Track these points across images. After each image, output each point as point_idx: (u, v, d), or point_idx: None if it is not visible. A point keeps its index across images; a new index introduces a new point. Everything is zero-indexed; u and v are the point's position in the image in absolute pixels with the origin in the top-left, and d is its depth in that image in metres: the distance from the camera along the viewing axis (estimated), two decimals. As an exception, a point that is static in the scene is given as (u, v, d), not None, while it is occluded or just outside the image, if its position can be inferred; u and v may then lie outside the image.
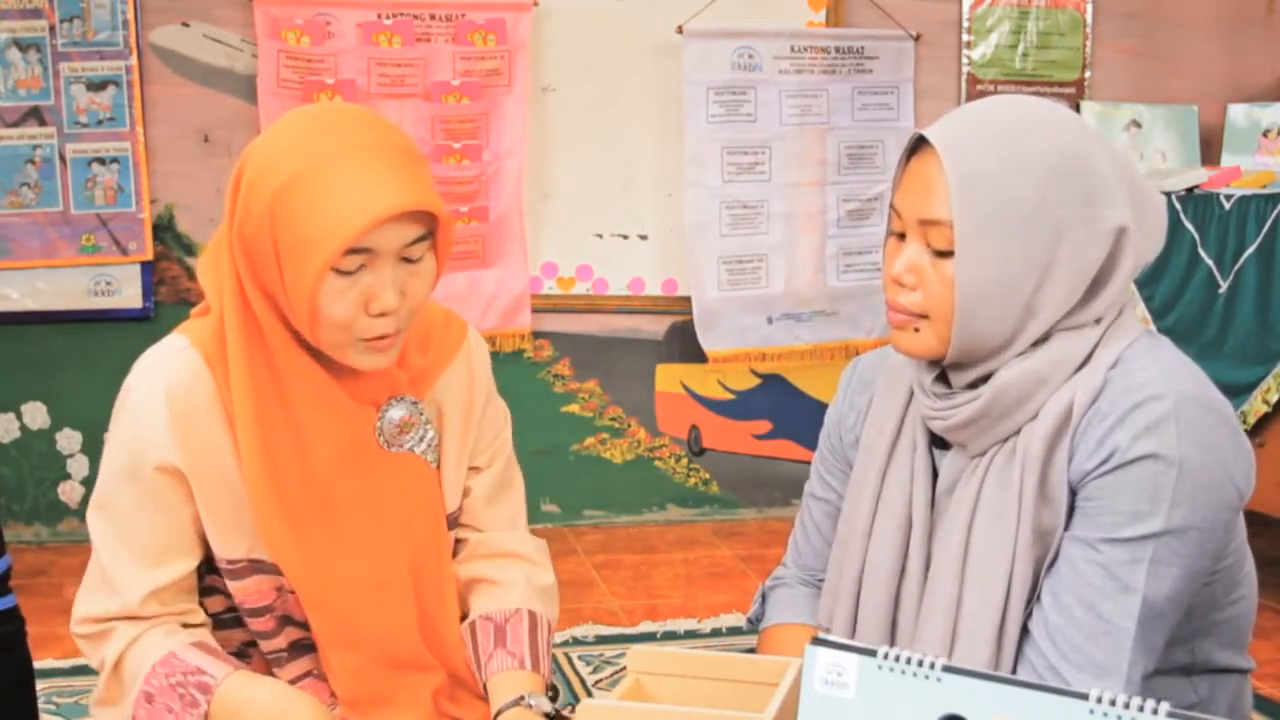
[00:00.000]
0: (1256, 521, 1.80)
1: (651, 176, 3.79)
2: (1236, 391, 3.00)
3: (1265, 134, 3.78)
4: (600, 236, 3.80)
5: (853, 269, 3.90)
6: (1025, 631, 1.29)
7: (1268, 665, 2.67)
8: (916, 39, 3.88)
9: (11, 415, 3.58)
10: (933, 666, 0.94)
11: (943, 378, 1.36)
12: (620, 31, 3.72)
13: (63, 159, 3.48)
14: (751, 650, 1.58)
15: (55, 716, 2.41)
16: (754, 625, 1.62)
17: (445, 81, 3.57)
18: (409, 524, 1.47)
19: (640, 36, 3.73)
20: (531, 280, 3.72)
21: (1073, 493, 1.27)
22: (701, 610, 3.05)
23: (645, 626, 2.95)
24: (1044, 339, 1.30)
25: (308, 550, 1.40)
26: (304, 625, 1.46)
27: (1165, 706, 0.87)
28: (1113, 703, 0.88)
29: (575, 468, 3.87)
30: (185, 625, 1.41)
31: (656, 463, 3.93)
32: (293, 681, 1.48)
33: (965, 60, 3.95)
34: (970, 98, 3.91)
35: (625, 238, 3.81)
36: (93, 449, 3.59)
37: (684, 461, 3.95)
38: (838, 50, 3.81)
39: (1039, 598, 1.28)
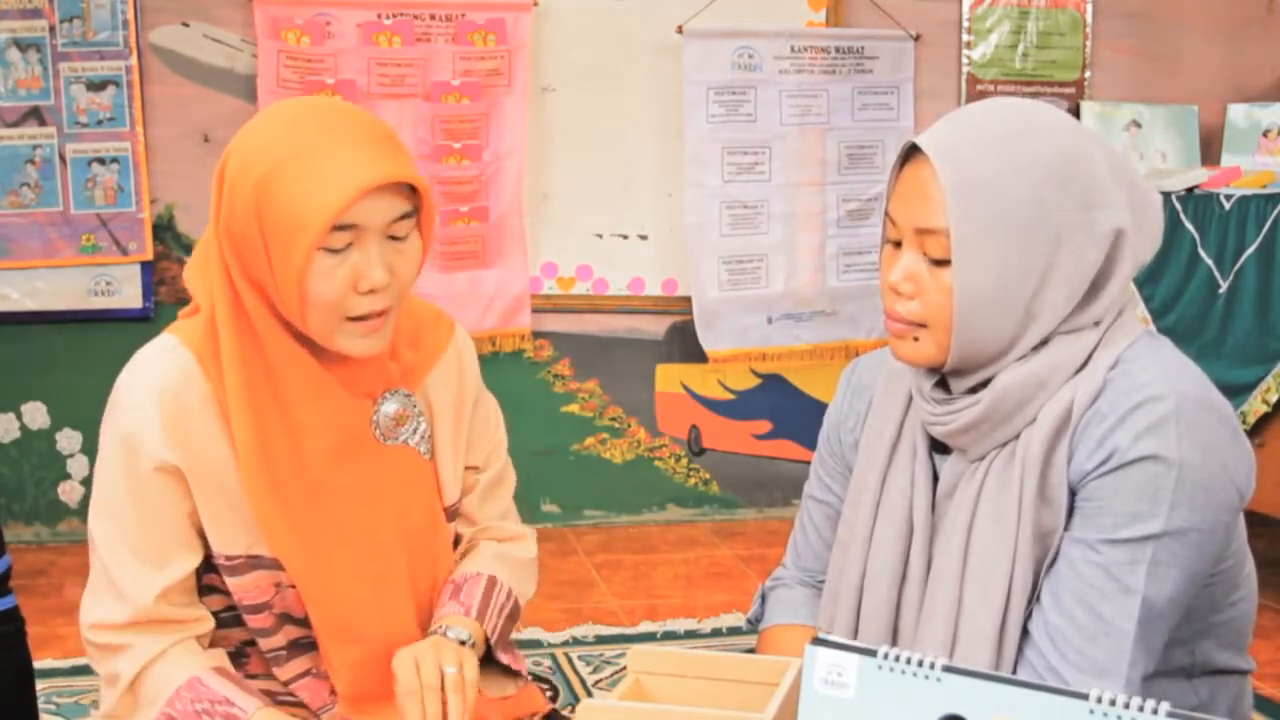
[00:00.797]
0: (1256, 522, 1.80)
1: (651, 176, 3.79)
2: (1236, 391, 3.00)
3: (1265, 134, 3.78)
4: (600, 236, 3.79)
5: (853, 269, 3.90)
6: (1025, 633, 1.29)
7: (1268, 666, 2.67)
8: (916, 39, 3.88)
9: (11, 415, 3.58)
10: (933, 667, 0.94)
11: (942, 383, 1.36)
12: (620, 31, 3.72)
13: (63, 159, 3.48)
14: (751, 650, 1.58)
15: (55, 716, 2.41)
16: (754, 625, 1.62)
17: (445, 81, 3.57)
18: (406, 517, 1.48)
19: (640, 36, 3.72)
20: (531, 280, 3.72)
21: (1072, 493, 1.27)
22: (701, 610, 3.05)
23: (645, 626, 2.95)
24: (1043, 343, 1.29)
25: (306, 544, 1.41)
26: (302, 623, 1.47)
27: (1165, 706, 0.87)
28: (1113, 703, 0.88)
29: (575, 468, 3.87)
30: (195, 635, 1.42)
31: (656, 463, 3.93)
32: (291, 681, 1.49)
33: (965, 60, 3.95)
34: (970, 98, 3.91)
35: (625, 238, 3.81)
36: (93, 449, 3.53)
37: (684, 461, 3.94)
38: (838, 50, 3.81)
39: (1039, 598, 1.28)
